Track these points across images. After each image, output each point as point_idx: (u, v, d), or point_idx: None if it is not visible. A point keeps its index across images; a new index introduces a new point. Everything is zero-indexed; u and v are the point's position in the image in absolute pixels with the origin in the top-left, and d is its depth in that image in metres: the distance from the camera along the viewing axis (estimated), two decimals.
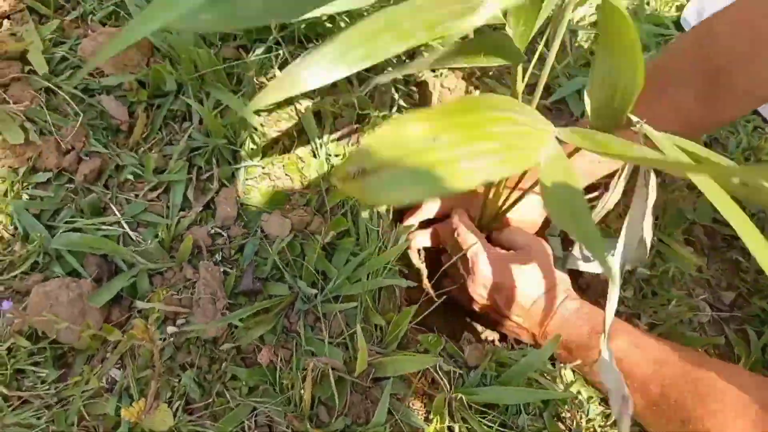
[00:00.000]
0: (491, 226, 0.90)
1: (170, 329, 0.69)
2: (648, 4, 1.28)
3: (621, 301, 0.95)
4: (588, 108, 0.57)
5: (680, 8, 1.28)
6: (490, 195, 0.81)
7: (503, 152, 0.44)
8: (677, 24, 1.26)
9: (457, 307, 0.92)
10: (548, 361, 0.76)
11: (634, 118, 0.53)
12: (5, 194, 0.68)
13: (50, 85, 0.73)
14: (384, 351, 0.74)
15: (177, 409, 0.65)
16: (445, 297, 0.82)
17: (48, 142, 0.71)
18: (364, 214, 0.81)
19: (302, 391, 0.68)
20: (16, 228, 0.67)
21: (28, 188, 0.70)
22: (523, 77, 0.64)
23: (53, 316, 0.62)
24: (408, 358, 0.73)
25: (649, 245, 0.63)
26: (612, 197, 0.60)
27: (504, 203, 0.83)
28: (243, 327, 0.70)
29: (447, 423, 0.71)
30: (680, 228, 0.99)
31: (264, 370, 0.70)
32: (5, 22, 0.74)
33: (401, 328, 0.75)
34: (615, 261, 0.59)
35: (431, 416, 0.72)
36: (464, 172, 0.43)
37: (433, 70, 1.04)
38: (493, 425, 0.73)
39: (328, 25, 0.93)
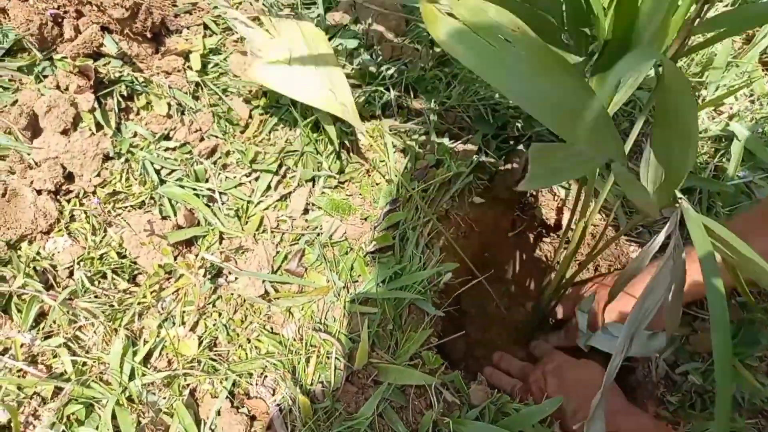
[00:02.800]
0: (553, 297, 0.99)
1: (220, 281, 0.86)
2: None
3: (664, 403, 0.95)
4: (645, 181, 0.63)
5: None
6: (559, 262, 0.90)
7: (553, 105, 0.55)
8: None
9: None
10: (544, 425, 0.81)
11: (678, 194, 0.59)
12: (141, 149, 0.93)
13: (199, 80, 0.99)
14: (392, 360, 0.84)
15: (203, 344, 0.81)
16: (463, 332, 0.91)
17: (183, 119, 0.96)
18: (412, 240, 0.94)
19: (307, 367, 0.80)
20: (140, 174, 0.91)
21: (158, 149, 0.94)
22: None
23: (139, 243, 0.83)
24: (409, 372, 0.82)
25: (668, 335, 0.64)
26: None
27: (564, 280, 0.92)
28: (277, 297, 0.85)
29: None
30: (755, 352, 0.96)
31: (283, 340, 0.83)
32: (185, 30, 1.03)
33: (413, 345, 0.85)
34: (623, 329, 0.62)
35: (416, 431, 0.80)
36: (510, 82, 0.54)
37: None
38: None
39: (432, 80, 1.11)
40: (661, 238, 0.63)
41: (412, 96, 1.11)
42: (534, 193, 1.18)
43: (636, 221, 0.82)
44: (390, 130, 1.05)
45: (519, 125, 1.12)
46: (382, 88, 1.08)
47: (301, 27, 0.90)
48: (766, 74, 1.31)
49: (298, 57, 0.89)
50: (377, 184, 1.01)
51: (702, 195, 1.06)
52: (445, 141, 1.07)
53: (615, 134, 0.57)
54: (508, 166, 1.14)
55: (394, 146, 1.02)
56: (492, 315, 1.25)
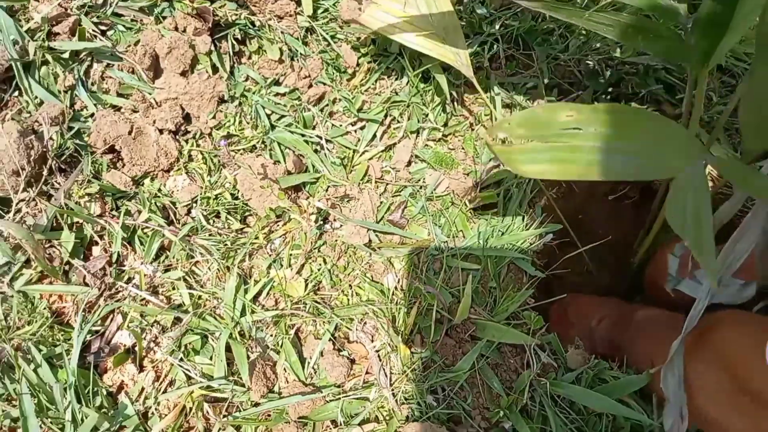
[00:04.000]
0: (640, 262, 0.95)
1: (326, 227, 0.86)
2: None
3: None
4: (742, 126, 0.59)
5: None
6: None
7: (651, 156, 0.52)
8: None
9: None
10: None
11: None
12: (253, 93, 0.93)
13: (309, 25, 0.97)
14: (490, 317, 0.83)
15: (309, 286, 0.82)
16: (564, 296, 0.88)
17: (293, 65, 0.95)
18: (516, 199, 0.90)
19: (407, 317, 0.80)
20: (252, 118, 0.92)
21: (269, 94, 0.94)
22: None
23: (252, 186, 0.85)
24: (508, 330, 0.80)
25: (759, 282, 0.61)
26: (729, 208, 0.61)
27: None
28: (380, 245, 0.85)
29: (524, 401, 0.77)
30: None
31: (385, 288, 0.83)
32: None
33: (512, 304, 0.83)
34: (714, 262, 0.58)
35: (512, 389, 0.79)
36: (602, 164, 0.53)
37: None
38: (569, 424, 0.77)
39: (544, 32, 1.04)
40: None
41: (521, 48, 1.05)
42: None
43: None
44: (497, 83, 1.00)
45: (634, 82, 1.05)
46: (490, 39, 1.02)
47: None
48: None
49: (413, 4, 0.85)
50: (481, 139, 0.98)
51: None
52: (554, 96, 1.01)
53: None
54: None
55: (503, 100, 0.97)
56: (581, 278, 1.20)
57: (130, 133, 0.82)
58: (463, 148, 0.97)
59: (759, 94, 0.53)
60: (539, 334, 0.81)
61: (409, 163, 0.93)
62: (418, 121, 0.95)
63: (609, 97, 1.06)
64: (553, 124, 0.54)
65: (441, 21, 0.83)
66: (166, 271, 0.81)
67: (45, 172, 0.77)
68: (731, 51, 1.05)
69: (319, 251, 0.86)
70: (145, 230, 0.82)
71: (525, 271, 0.89)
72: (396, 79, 0.98)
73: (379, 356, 0.79)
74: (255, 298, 0.81)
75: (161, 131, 0.85)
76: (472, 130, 0.98)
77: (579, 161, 0.52)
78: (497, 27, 1.02)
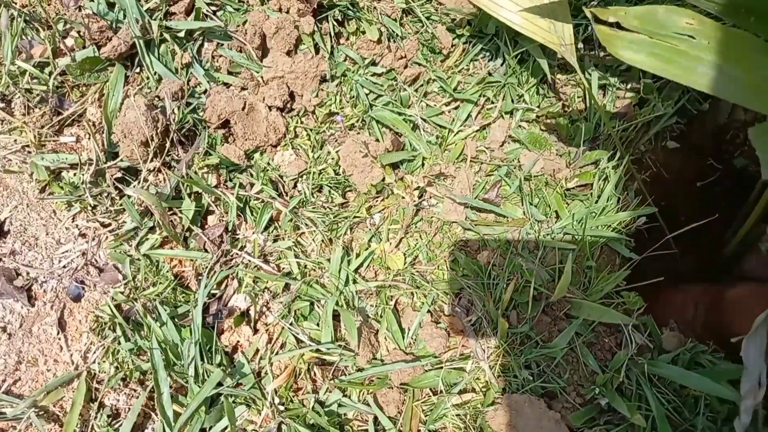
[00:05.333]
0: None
1: (423, 203, 0.88)
2: None
3: None
4: None
5: None
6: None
7: (753, 87, 0.51)
8: None
9: None
10: None
11: None
12: (353, 73, 0.95)
13: (406, 6, 0.98)
14: (585, 296, 0.82)
15: (407, 259, 0.84)
16: (661, 278, 0.86)
17: (390, 46, 0.96)
18: (612, 180, 0.89)
19: (504, 292, 0.81)
20: (351, 97, 0.93)
21: (366, 74, 0.95)
22: None
23: (354, 162, 0.86)
24: (607, 310, 0.79)
25: None
26: None
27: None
28: (475, 222, 0.86)
29: (620, 379, 0.77)
30: None
31: (480, 264, 0.84)
32: None
33: (608, 284, 0.82)
34: None
35: (607, 368, 0.78)
36: (700, 74, 0.53)
37: None
38: (666, 404, 0.76)
39: None
40: None
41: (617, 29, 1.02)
42: (738, 141, 1.07)
43: None
44: (592, 65, 0.98)
45: None
46: (585, 21, 1.00)
47: None
48: None
49: None
50: (575, 121, 0.96)
51: None
52: (649, 79, 0.99)
53: None
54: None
55: (598, 82, 0.96)
56: (667, 262, 1.18)
57: (243, 109, 0.84)
58: (555, 130, 0.96)
59: None
60: (636, 315, 0.81)
61: (503, 143, 0.93)
62: (513, 102, 0.95)
63: None
64: (669, 26, 0.55)
65: (550, 4, 0.82)
66: (275, 240, 0.84)
67: (167, 144, 0.81)
68: None
69: (416, 227, 0.87)
70: (256, 201, 0.85)
71: (618, 253, 0.88)
72: (490, 60, 0.98)
73: (474, 330, 0.80)
74: (357, 269, 0.83)
75: (270, 108, 0.87)
76: (566, 111, 0.97)
77: (679, 64, 0.53)
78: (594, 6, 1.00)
